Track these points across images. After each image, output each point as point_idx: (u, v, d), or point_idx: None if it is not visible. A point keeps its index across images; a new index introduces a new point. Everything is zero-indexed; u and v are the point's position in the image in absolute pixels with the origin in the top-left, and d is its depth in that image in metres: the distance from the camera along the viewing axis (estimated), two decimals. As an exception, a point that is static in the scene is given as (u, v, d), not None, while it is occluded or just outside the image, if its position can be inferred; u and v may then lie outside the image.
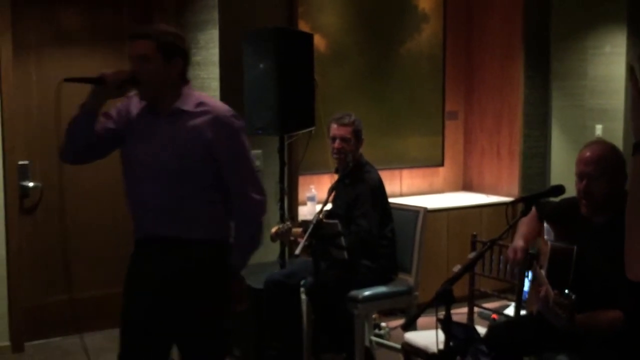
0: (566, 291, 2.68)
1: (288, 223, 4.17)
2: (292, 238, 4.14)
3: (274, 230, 4.11)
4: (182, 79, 2.77)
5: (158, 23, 2.79)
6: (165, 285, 2.72)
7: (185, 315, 2.72)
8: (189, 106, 2.72)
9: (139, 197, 2.78)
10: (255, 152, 4.82)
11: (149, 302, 2.75)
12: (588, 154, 2.92)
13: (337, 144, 4.11)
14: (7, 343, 4.61)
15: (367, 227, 3.98)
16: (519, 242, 3.18)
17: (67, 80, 2.74)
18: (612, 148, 2.96)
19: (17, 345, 4.67)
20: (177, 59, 2.72)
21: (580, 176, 2.92)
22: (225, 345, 2.91)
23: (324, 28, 5.41)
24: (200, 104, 2.75)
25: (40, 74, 4.78)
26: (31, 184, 4.71)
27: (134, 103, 2.85)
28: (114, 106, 2.88)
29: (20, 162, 4.65)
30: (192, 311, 2.72)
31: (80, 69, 4.88)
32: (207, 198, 2.73)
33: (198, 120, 2.70)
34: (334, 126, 4.13)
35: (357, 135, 4.12)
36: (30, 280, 4.76)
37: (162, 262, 2.73)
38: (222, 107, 2.80)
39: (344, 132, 4.09)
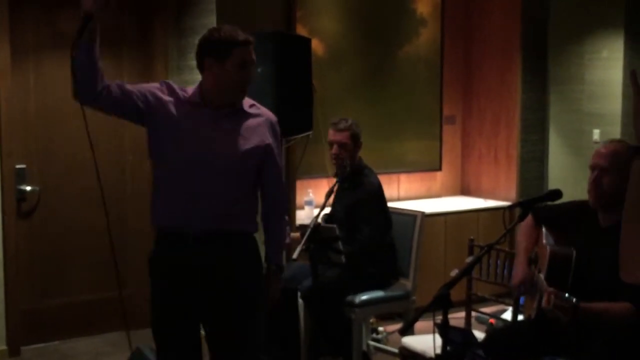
0: (566, 294, 2.68)
1: (287, 228, 4.16)
2: (287, 241, 4.13)
3: None
4: None
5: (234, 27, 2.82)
6: (216, 278, 2.76)
7: (231, 308, 2.79)
8: (245, 106, 2.83)
9: (189, 190, 2.75)
10: (253, 156, 4.82)
11: (202, 296, 2.78)
12: (603, 149, 2.97)
13: (334, 149, 4.12)
14: (3, 347, 4.60)
15: (370, 234, 3.98)
16: (521, 267, 3.14)
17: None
18: (626, 144, 2.99)
19: (13, 350, 4.65)
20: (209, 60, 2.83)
21: (593, 168, 2.96)
22: (259, 343, 2.92)
23: (322, 32, 5.41)
24: (252, 105, 2.87)
25: (38, 77, 4.77)
26: (28, 188, 4.70)
27: (171, 97, 2.85)
28: (147, 87, 2.92)
29: (18, 166, 4.65)
30: (240, 303, 2.80)
31: (78, 73, 4.90)
32: (254, 193, 2.86)
33: (255, 121, 2.82)
34: (331, 132, 4.16)
35: (354, 139, 4.13)
36: (27, 283, 4.75)
37: (216, 255, 2.76)
38: (269, 111, 2.93)
39: (341, 137, 4.10)
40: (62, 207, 4.89)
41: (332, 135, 4.15)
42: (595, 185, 2.92)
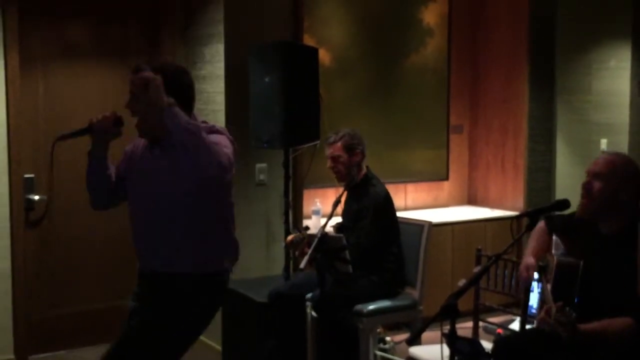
0: (567, 308, 2.68)
1: (305, 233, 4.17)
2: (306, 249, 4.13)
3: (289, 238, 4.12)
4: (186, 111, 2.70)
5: (162, 58, 2.82)
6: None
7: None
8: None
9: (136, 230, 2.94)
10: (260, 166, 4.83)
11: None
12: (601, 158, 3.01)
13: (328, 163, 4.21)
14: (11, 356, 4.60)
15: (362, 241, 4.00)
16: (529, 259, 3.16)
17: (60, 139, 2.89)
18: (626, 158, 3.03)
19: (21, 359, 4.66)
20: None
21: (587, 173, 2.98)
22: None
23: (329, 42, 5.43)
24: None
25: (46, 87, 4.80)
26: (36, 197, 4.72)
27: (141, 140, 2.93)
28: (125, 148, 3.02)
29: (26, 175, 4.66)
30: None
31: (86, 82, 4.94)
32: (196, 230, 2.87)
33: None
34: (325, 146, 4.23)
35: (348, 149, 4.16)
36: (35, 293, 4.76)
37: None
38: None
39: (333, 150, 4.17)
40: (70, 217, 4.91)
41: (326, 149, 4.23)
42: (586, 190, 2.94)
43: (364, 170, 4.23)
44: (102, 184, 2.95)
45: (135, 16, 5.05)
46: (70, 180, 4.89)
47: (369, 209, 4.07)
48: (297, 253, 4.29)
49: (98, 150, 2.89)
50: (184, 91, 2.78)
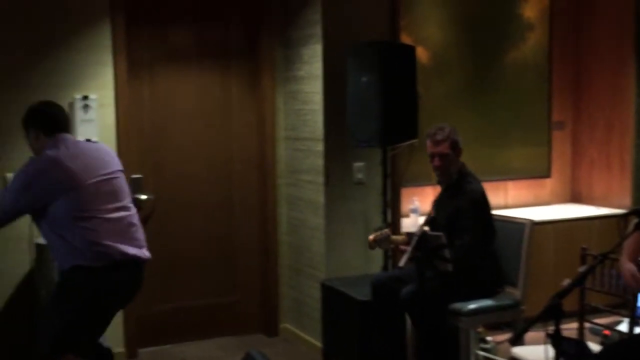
0: None
1: (386, 230, 4.16)
2: (392, 245, 4.13)
3: (371, 237, 4.11)
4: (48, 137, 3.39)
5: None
6: None
7: None
8: None
9: None
10: (358, 165, 4.86)
11: None
12: None
13: (436, 162, 4.05)
14: (122, 349, 4.80)
15: (470, 242, 3.92)
16: (629, 265, 3.05)
17: None
18: None
19: (131, 352, 4.86)
20: (31, 129, 3.43)
21: None
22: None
23: (427, 40, 5.39)
24: None
25: (152, 91, 4.98)
26: (144, 197, 4.90)
27: None
28: None
29: (134, 176, 4.85)
30: None
31: (188, 85, 5.10)
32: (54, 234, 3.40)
33: None
34: (429, 143, 4.07)
35: (454, 147, 4.06)
36: (144, 289, 4.93)
37: None
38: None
39: (441, 149, 4.02)
40: (174, 216, 5.07)
41: (430, 147, 4.07)
42: None
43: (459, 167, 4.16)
44: None
45: (235, 19, 5.17)
46: (174, 181, 5.06)
47: (467, 207, 3.99)
48: (386, 249, 4.30)
49: None
50: (37, 121, 3.43)
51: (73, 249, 3.27)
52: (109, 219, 3.34)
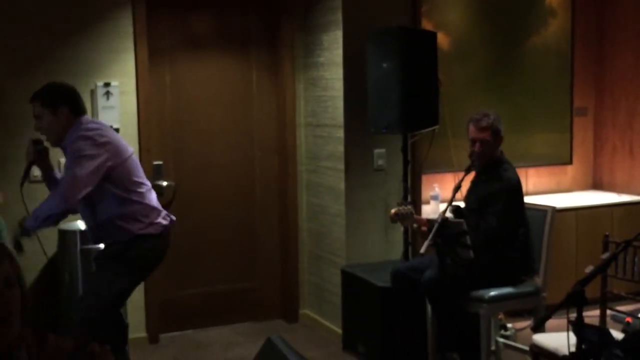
0: None
1: (409, 206, 4.14)
2: (415, 225, 4.10)
3: (393, 211, 4.09)
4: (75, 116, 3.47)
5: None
6: None
7: None
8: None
9: None
10: (379, 151, 4.85)
11: None
12: None
13: (477, 147, 4.03)
14: (143, 334, 4.85)
15: (495, 226, 3.91)
16: None
17: (21, 186, 3.58)
18: None
19: (152, 337, 4.90)
20: (62, 107, 3.44)
21: None
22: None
23: (447, 26, 5.36)
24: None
25: (173, 77, 4.99)
26: (165, 183, 4.92)
27: None
28: None
29: (155, 162, 4.88)
30: None
31: (208, 72, 5.11)
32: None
33: None
34: (473, 129, 4.04)
35: (496, 135, 4.04)
36: (165, 274, 4.98)
37: None
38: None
39: (484, 135, 4.00)
40: (195, 202, 5.10)
41: (473, 132, 4.05)
42: None
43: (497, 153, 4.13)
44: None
45: (255, 5, 5.17)
46: (194, 168, 5.08)
47: (502, 194, 3.97)
48: (409, 226, 4.28)
49: (45, 172, 3.62)
50: (69, 99, 3.48)
51: (134, 220, 3.46)
52: (150, 191, 3.60)
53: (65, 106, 3.43)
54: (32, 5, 4.48)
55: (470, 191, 4.17)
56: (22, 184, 3.55)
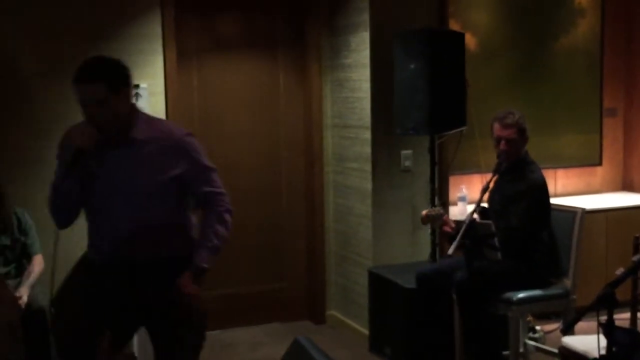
0: None
1: (440, 208, 4.14)
2: (446, 228, 4.07)
3: (424, 212, 4.08)
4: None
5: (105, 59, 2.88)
6: None
7: None
8: (138, 133, 2.87)
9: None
10: (406, 152, 4.84)
11: None
12: None
13: (502, 145, 4.00)
14: (171, 334, 4.87)
15: (514, 225, 3.89)
16: None
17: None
18: None
19: (180, 337, 4.92)
20: (127, 88, 2.84)
21: None
22: None
23: (475, 26, 5.34)
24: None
25: (200, 79, 5.03)
26: (193, 184, 4.94)
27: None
28: None
29: (183, 164, 4.89)
30: None
31: (235, 73, 5.13)
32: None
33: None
34: (497, 126, 4.02)
35: (521, 133, 4.02)
36: (192, 275, 5.02)
37: None
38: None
39: (509, 133, 3.98)
40: (224, 203, 5.11)
41: (498, 130, 4.03)
42: None
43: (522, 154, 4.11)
44: (75, 203, 2.93)
45: (281, 7, 5.18)
46: (222, 168, 5.08)
47: (525, 194, 3.95)
48: (437, 228, 4.26)
49: (80, 170, 2.82)
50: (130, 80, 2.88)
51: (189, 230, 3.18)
52: None
53: (129, 87, 2.87)
54: (62, 8, 4.53)
55: (494, 191, 4.14)
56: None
